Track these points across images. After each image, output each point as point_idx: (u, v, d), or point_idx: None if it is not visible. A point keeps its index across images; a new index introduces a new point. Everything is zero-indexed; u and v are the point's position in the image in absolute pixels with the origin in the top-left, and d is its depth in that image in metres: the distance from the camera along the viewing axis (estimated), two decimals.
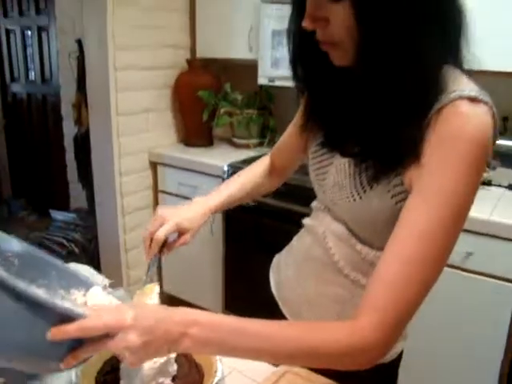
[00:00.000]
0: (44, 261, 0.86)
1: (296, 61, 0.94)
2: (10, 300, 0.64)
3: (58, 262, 0.88)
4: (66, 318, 0.67)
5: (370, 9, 0.74)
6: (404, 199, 0.81)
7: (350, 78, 0.86)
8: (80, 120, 3.39)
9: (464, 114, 0.75)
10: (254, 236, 2.55)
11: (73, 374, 0.87)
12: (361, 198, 0.88)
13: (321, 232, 1.01)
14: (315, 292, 1.02)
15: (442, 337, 2.03)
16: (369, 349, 0.75)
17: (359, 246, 0.93)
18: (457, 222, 0.77)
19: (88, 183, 3.24)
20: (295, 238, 1.16)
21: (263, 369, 0.98)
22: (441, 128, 0.75)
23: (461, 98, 0.75)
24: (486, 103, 0.76)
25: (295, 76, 0.96)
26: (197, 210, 1.14)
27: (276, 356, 0.76)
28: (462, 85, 0.78)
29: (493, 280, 1.88)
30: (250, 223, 2.53)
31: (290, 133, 1.22)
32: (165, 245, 1.08)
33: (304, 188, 2.23)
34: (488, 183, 2.21)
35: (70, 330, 0.67)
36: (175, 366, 0.90)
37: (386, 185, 0.84)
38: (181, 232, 1.10)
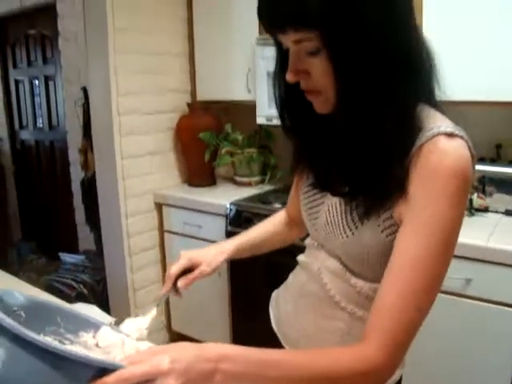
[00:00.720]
0: (48, 308, 0.85)
1: (283, 110, 1.00)
2: (42, 361, 0.63)
3: (62, 307, 0.88)
4: (101, 371, 0.66)
5: (345, 59, 0.80)
6: (394, 232, 0.86)
7: (334, 124, 0.91)
8: (86, 164, 3.47)
9: (442, 150, 0.80)
10: (258, 271, 2.58)
11: None
12: (353, 234, 0.92)
13: (316, 268, 1.04)
14: (313, 326, 1.05)
15: (442, 364, 2.04)
16: (378, 373, 0.81)
17: (353, 280, 0.97)
18: (446, 249, 0.82)
19: (95, 225, 3.30)
20: (291, 275, 1.20)
21: None
22: (422, 164, 0.81)
23: (438, 134, 0.81)
24: (461, 137, 0.82)
25: (283, 123, 1.02)
26: (213, 247, 1.23)
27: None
28: (437, 122, 0.84)
29: (493, 306, 1.90)
30: (256, 260, 2.54)
31: (293, 187, 1.29)
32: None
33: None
34: (485, 209, 2.25)
35: (109, 382, 0.67)
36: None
37: (376, 220, 0.88)
38: (195, 265, 1.17)
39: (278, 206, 2.51)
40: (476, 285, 1.92)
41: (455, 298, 1.95)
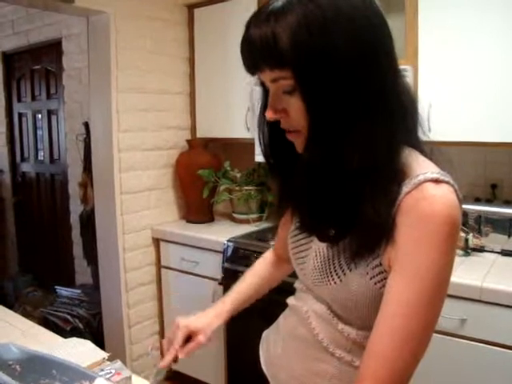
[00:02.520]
0: (43, 360, 0.88)
1: (266, 149, 1.01)
2: None
3: (57, 359, 0.90)
4: None
5: (316, 99, 0.81)
6: (383, 279, 0.86)
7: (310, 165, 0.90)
8: (86, 198, 3.50)
9: (430, 197, 0.80)
10: (256, 310, 2.55)
11: None
12: (341, 280, 0.91)
13: (304, 312, 1.04)
14: (302, 369, 1.04)
15: None
16: None
17: (341, 326, 0.96)
18: (438, 295, 0.81)
19: (93, 259, 3.30)
20: (281, 317, 1.19)
21: None
22: (411, 211, 0.80)
23: (425, 181, 0.81)
24: (447, 183, 0.82)
25: (268, 163, 1.02)
26: (210, 312, 1.25)
27: None
28: (423, 168, 0.84)
29: (488, 346, 1.89)
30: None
31: (280, 227, 1.30)
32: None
33: None
34: (481, 249, 2.26)
35: None
36: None
37: (364, 267, 0.87)
38: (194, 334, 1.19)
39: (273, 242, 2.51)
40: (471, 325, 1.92)
41: (450, 337, 1.94)
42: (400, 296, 0.81)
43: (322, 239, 0.98)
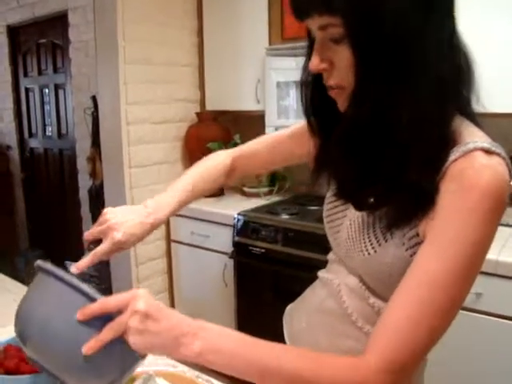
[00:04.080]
0: None
1: (309, 110, 0.96)
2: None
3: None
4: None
5: (366, 50, 0.75)
6: None
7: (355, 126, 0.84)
8: (95, 173, 3.48)
9: (478, 166, 0.74)
10: (266, 285, 2.56)
11: None
12: (375, 251, 0.87)
13: (336, 285, 1.00)
14: (328, 344, 1.00)
15: (455, 381, 2.01)
16: None
17: (372, 300, 0.93)
18: (468, 272, 0.75)
19: None
20: (308, 290, 1.15)
21: None
22: (456, 180, 0.75)
23: (475, 149, 0.75)
24: (498, 154, 0.76)
25: (308, 123, 0.97)
26: (143, 225, 1.09)
27: (282, 378, 0.76)
28: (474, 136, 0.78)
29: (504, 321, 1.87)
30: (263, 272, 2.55)
31: (270, 144, 1.24)
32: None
33: (316, 235, 2.27)
34: None
35: (93, 307, 0.76)
36: None
37: (400, 237, 0.83)
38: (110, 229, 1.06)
39: (285, 216, 2.50)
40: (486, 299, 1.89)
41: (465, 312, 1.92)
42: (428, 265, 0.76)
43: (358, 207, 0.91)
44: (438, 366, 1.92)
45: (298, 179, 2.84)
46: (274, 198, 2.91)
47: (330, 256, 1.08)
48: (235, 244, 2.61)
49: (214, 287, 2.77)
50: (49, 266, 0.82)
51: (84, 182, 3.89)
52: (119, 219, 1.07)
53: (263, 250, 2.46)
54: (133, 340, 0.74)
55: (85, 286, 0.78)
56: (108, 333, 0.75)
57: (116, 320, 0.75)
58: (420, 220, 0.80)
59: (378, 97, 0.77)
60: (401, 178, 0.79)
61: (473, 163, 0.75)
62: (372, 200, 0.87)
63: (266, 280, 2.54)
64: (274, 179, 2.97)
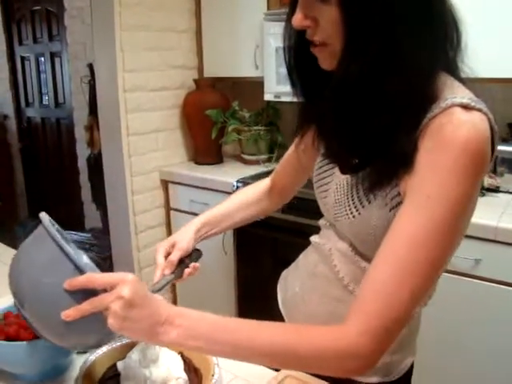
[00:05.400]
0: None
1: (291, 64, 0.94)
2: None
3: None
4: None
5: (355, 8, 0.74)
6: None
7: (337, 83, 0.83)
8: (93, 142, 3.46)
9: (456, 122, 0.73)
10: (266, 251, 2.57)
11: (73, 382, 0.91)
12: (359, 213, 0.87)
13: (327, 249, 1.01)
14: (320, 309, 1.01)
15: (453, 347, 2.02)
16: (355, 355, 0.74)
17: (363, 264, 0.93)
18: (449, 231, 0.74)
19: (102, 203, 3.29)
20: (301, 255, 1.16)
21: (263, 373, 0.99)
22: (433, 136, 0.74)
23: (453, 105, 0.74)
24: (479, 110, 0.75)
25: (291, 81, 0.95)
26: (189, 227, 1.17)
27: (256, 354, 0.77)
28: (453, 92, 0.77)
29: (503, 287, 1.88)
30: (262, 239, 2.55)
31: (291, 153, 1.21)
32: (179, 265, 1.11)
33: (316, 202, 2.26)
34: (496, 190, 2.21)
35: (80, 280, 0.77)
36: (184, 375, 0.91)
37: (383, 198, 0.83)
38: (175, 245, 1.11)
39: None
40: (485, 265, 1.89)
41: (464, 278, 1.93)
42: (408, 225, 0.75)
43: (343, 170, 0.93)
44: (436, 330, 1.94)
45: None
46: (273, 166, 2.88)
47: (321, 221, 1.09)
48: None
49: (213, 255, 2.78)
50: (48, 224, 0.83)
51: (82, 151, 3.87)
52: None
53: (263, 218, 2.44)
54: (111, 322, 0.74)
55: (77, 257, 0.80)
56: (88, 306, 0.76)
57: (99, 297, 0.76)
58: (400, 179, 0.79)
59: (365, 55, 0.76)
60: (383, 137, 0.78)
61: (451, 119, 0.74)
62: (356, 161, 0.87)
63: (266, 248, 2.55)
64: (273, 146, 2.95)
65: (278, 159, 2.88)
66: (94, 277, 0.78)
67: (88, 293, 0.76)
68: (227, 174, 2.77)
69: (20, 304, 0.80)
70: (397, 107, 0.76)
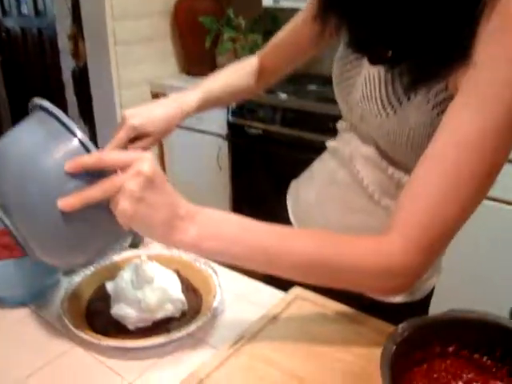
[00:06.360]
0: None
1: None
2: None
3: None
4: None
5: None
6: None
7: None
8: (77, 53, 3.27)
9: None
10: (263, 167, 2.48)
11: (59, 304, 0.82)
12: (395, 112, 0.76)
13: (347, 154, 0.90)
14: (339, 221, 0.92)
15: (478, 273, 1.95)
16: (396, 271, 0.66)
17: (391, 170, 0.83)
18: (509, 134, 0.63)
19: (90, 118, 3.16)
20: (316, 162, 1.04)
21: (268, 294, 0.89)
22: (497, 17, 0.61)
23: None
24: None
25: None
26: (167, 109, 0.95)
27: (286, 262, 0.67)
28: None
29: None
30: (259, 154, 2.47)
31: (292, 29, 1.06)
32: None
33: (317, 115, 2.17)
34: None
35: (87, 159, 0.63)
36: (182, 296, 0.80)
37: (425, 94, 0.71)
38: (142, 135, 0.91)
39: (283, 95, 2.36)
40: None
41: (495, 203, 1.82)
42: (460, 124, 0.63)
43: (374, 60, 0.79)
44: (464, 255, 1.86)
45: None
46: None
47: (340, 124, 0.97)
48: (230, 125, 2.50)
49: (207, 171, 2.69)
50: (44, 102, 0.70)
51: (67, 63, 3.66)
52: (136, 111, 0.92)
53: (260, 131, 2.35)
54: (124, 205, 0.61)
55: (82, 133, 0.64)
56: (95, 191, 0.62)
57: (111, 178, 0.62)
58: (450, 72, 0.66)
59: None
60: (427, 18, 0.64)
61: None
62: (391, 52, 0.74)
63: (263, 162, 2.46)
64: None
65: None
66: (106, 154, 0.63)
67: (94, 177, 0.62)
68: None
69: (2, 207, 0.64)
70: None
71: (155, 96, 2.83)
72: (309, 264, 0.67)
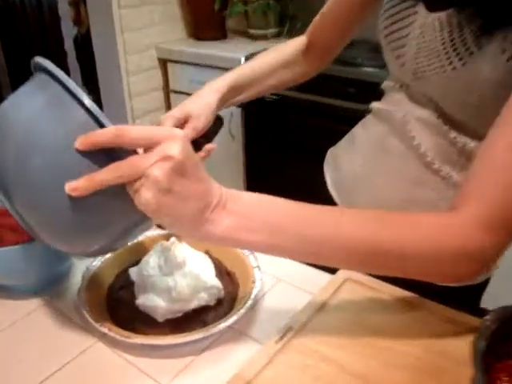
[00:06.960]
0: None
1: None
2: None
3: None
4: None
5: None
6: None
7: None
8: (79, 18, 3.16)
9: None
10: (279, 136, 2.36)
11: (76, 293, 0.72)
12: (463, 64, 0.65)
13: (399, 118, 0.79)
14: (392, 193, 0.82)
15: None
16: (473, 255, 0.57)
17: (453, 134, 0.73)
18: None
19: (94, 87, 3.05)
20: (358, 128, 0.93)
21: (312, 276, 0.79)
22: None
23: None
24: None
25: None
26: (211, 95, 0.93)
27: (340, 251, 0.57)
28: None
29: None
30: (275, 121, 2.34)
31: None
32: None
33: (336, 78, 2.01)
34: None
35: (102, 134, 0.51)
36: (217, 282, 0.70)
37: (500, 42, 0.61)
38: (188, 120, 0.89)
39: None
40: None
41: None
42: None
43: (434, 6, 0.67)
44: None
45: (312, 19, 2.51)
46: (284, 40, 2.60)
47: (387, 84, 0.86)
48: None
49: (219, 141, 2.58)
50: (50, 64, 0.56)
51: (68, 31, 3.55)
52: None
53: (275, 97, 2.22)
54: (146, 197, 0.50)
55: (95, 105, 0.52)
56: (110, 173, 0.51)
57: (130, 159, 0.51)
58: None
59: None
60: None
61: None
62: None
63: (279, 131, 2.34)
64: (284, 19, 2.64)
65: (288, 33, 2.61)
66: (126, 129, 0.51)
67: (109, 158, 0.51)
68: (232, 49, 2.49)
69: (3, 188, 0.53)
70: None
71: (162, 62, 2.70)
72: (366, 252, 0.57)
